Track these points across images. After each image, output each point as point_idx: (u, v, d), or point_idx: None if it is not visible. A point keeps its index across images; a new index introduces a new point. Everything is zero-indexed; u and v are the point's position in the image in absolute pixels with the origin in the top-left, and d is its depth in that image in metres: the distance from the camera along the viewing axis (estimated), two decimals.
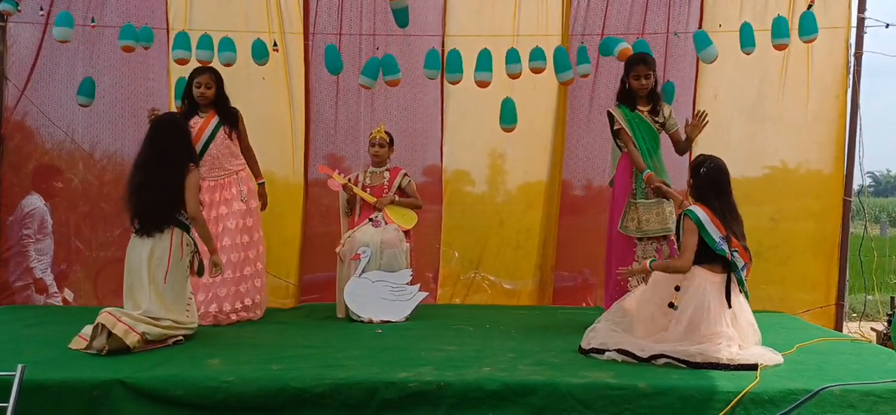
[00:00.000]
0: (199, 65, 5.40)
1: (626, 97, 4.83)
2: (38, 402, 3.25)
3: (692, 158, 4.30)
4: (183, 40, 5.50)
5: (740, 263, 3.85)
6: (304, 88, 5.99)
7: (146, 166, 4.17)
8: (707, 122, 4.74)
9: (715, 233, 3.83)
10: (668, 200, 4.66)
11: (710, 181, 3.93)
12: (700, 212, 3.87)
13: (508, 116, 5.62)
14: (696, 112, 4.79)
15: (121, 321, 3.84)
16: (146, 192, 4.12)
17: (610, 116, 4.86)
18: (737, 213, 3.95)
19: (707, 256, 3.88)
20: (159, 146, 4.19)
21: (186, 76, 5.53)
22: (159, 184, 4.12)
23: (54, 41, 5.57)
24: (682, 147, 4.93)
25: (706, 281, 3.85)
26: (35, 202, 5.92)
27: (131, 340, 3.82)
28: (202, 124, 5.01)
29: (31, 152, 5.99)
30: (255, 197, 5.14)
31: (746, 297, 3.94)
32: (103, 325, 3.81)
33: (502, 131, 5.73)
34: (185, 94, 5.11)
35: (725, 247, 3.81)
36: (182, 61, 5.53)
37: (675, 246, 4.61)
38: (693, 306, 3.80)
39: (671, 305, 3.88)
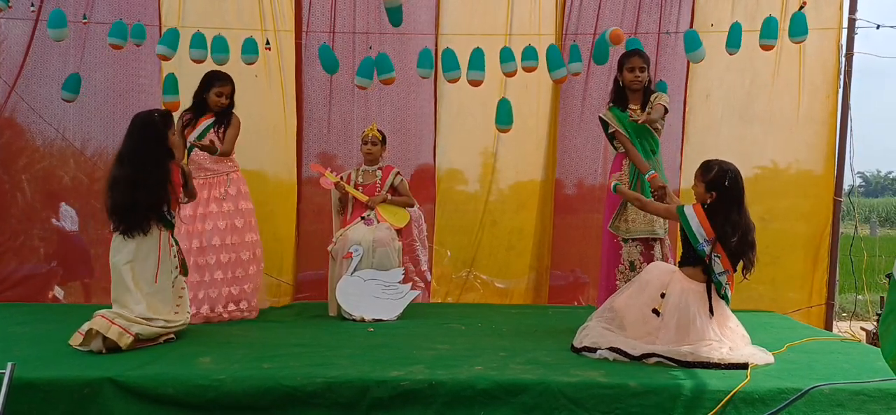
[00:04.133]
0: (193, 64, 5.39)
1: (619, 97, 4.71)
2: (27, 400, 3.23)
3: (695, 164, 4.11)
4: (170, 38, 5.45)
5: (719, 268, 3.82)
6: (296, 87, 5.98)
7: (120, 163, 4.10)
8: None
9: (700, 234, 3.81)
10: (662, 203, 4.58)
11: (738, 192, 3.83)
12: (689, 210, 3.88)
13: (505, 116, 5.62)
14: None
15: (115, 323, 3.82)
16: (117, 188, 4.05)
17: (602, 121, 4.74)
18: (749, 220, 3.87)
19: (692, 258, 3.88)
20: (132, 145, 4.09)
21: (176, 73, 5.52)
22: (135, 184, 4.01)
23: (45, 37, 5.54)
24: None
25: (688, 291, 3.85)
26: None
27: (125, 342, 3.81)
28: (195, 124, 5.01)
29: (21, 149, 5.96)
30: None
31: (727, 302, 3.92)
32: (97, 330, 3.79)
33: (496, 131, 5.75)
34: (198, 96, 5.05)
35: (707, 248, 3.79)
36: (165, 58, 5.45)
37: (655, 249, 4.62)
38: (677, 316, 3.81)
39: (655, 311, 3.88)
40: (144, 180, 4.03)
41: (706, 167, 3.92)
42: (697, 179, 3.95)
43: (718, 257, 3.81)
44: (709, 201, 3.86)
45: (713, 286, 3.85)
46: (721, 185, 3.83)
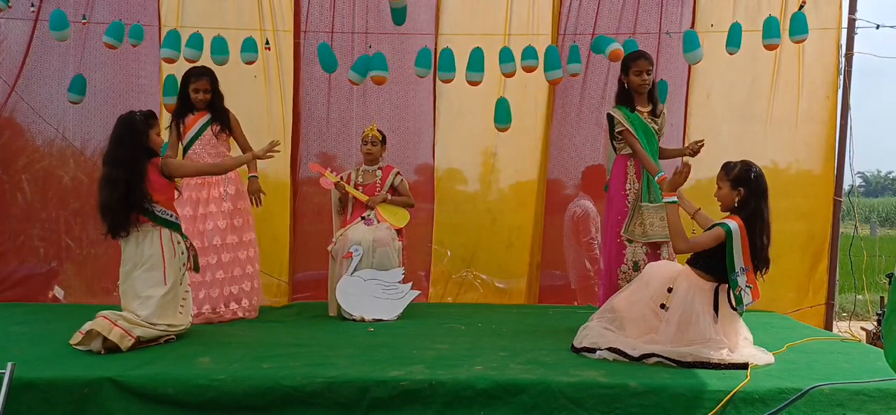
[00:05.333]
0: (189, 64, 5.38)
1: (625, 98, 4.64)
2: (27, 400, 3.24)
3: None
4: (173, 40, 5.46)
5: (748, 299, 3.71)
6: (293, 86, 5.98)
7: (104, 165, 4.10)
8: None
9: (738, 260, 3.68)
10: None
11: (765, 184, 3.74)
12: (735, 229, 3.70)
13: (503, 115, 5.62)
14: (688, 150, 4.56)
15: (116, 326, 3.82)
16: (101, 191, 4.05)
17: (610, 118, 4.65)
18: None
19: (713, 265, 3.79)
20: (112, 145, 4.10)
21: (176, 74, 5.52)
22: (110, 183, 4.01)
23: (45, 38, 5.55)
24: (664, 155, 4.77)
25: (695, 288, 3.81)
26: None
27: (126, 344, 3.81)
28: (191, 122, 5.00)
29: (21, 149, 5.96)
30: (243, 198, 5.10)
31: (740, 314, 3.86)
32: (98, 331, 3.78)
33: (495, 130, 5.74)
34: (180, 95, 5.06)
35: (740, 279, 3.68)
36: (170, 60, 5.50)
37: (662, 250, 4.57)
38: (681, 311, 3.78)
39: (663, 306, 3.85)
40: (119, 179, 4.00)
41: (727, 167, 3.83)
42: (721, 180, 3.83)
43: (750, 288, 3.71)
44: (737, 199, 3.76)
45: (721, 288, 3.80)
46: (748, 179, 3.74)
